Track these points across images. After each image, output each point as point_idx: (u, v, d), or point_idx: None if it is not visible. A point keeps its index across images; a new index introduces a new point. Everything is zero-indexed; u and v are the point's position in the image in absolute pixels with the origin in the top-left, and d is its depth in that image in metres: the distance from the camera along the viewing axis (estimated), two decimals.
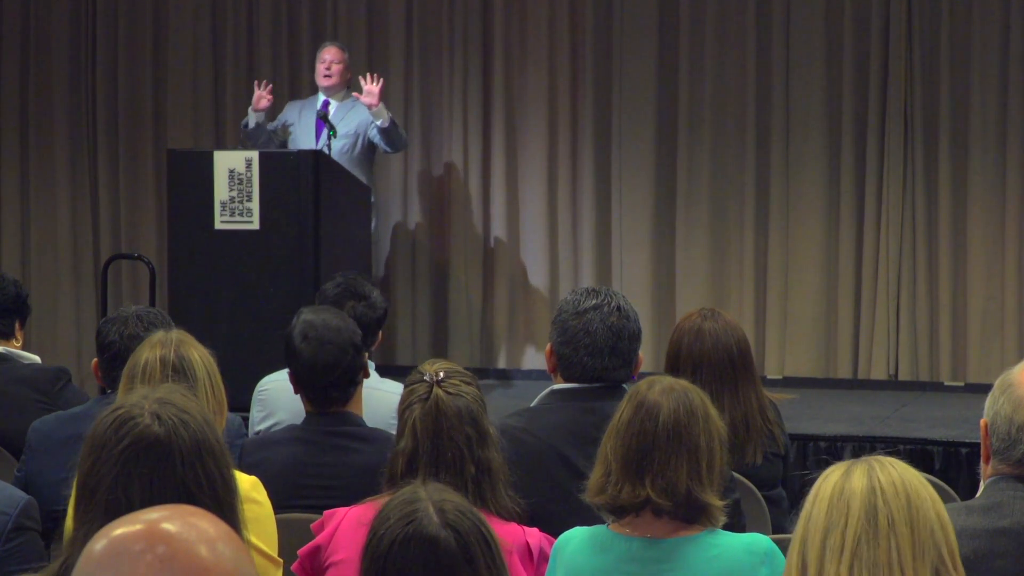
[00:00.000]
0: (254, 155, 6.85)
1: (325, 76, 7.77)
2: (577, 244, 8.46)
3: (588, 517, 3.02)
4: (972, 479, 5.69)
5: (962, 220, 7.90)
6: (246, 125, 7.74)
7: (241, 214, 6.79)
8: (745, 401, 4.12)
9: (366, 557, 2.23)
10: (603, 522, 2.97)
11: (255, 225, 6.79)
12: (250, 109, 7.71)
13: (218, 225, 6.82)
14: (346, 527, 3.09)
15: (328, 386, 3.81)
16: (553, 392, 3.65)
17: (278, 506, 3.32)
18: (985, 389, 2.88)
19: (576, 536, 2.98)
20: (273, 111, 7.90)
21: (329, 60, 7.80)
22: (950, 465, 6.27)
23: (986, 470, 2.79)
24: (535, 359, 8.38)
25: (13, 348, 4.77)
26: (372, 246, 7.73)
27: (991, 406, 2.77)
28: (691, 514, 2.89)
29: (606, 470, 2.92)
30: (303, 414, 3.90)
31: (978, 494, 2.78)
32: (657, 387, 2.94)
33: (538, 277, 8.52)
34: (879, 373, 7.97)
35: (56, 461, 3.66)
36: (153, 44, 8.99)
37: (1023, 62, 7.79)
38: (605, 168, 8.42)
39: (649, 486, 2.86)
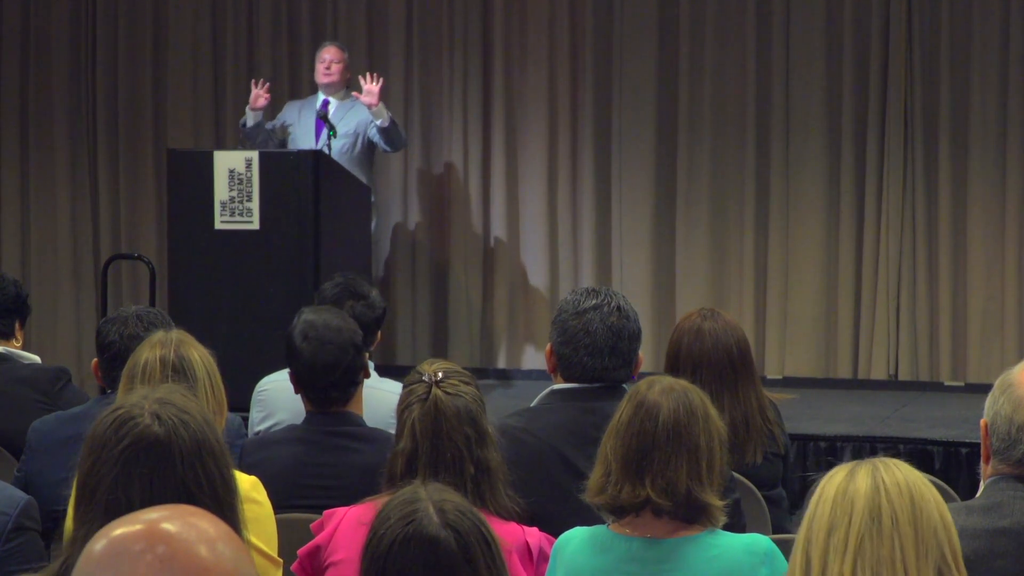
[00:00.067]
0: (254, 155, 6.85)
1: (325, 74, 7.78)
2: (577, 244, 8.45)
3: (588, 517, 3.02)
4: (972, 479, 5.68)
5: (962, 220, 7.90)
6: (244, 124, 7.74)
7: (241, 214, 6.79)
8: (745, 401, 4.12)
9: (366, 557, 2.23)
10: (603, 522, 2.97)
11: (255, 225, 6.79)
12: (248, 108, 7.71)
13: (218, 225, 6.82)
14: (346, 527, 3.09)
15: (328, 386, 3.81)
16: (553, 392, 3.65)
17: (278, 506, 3.32)
18: (985, 389, 2.89)
19: (576, 536, 2.98)
20: (272, 110, 7.90)
21: (329, 59, 7.80)
22: (950, 465, 6.27)
23: (986, 470, 2.79)
24: (535, 359, 8.37)
25: (13, 348, 4.76)
26: (372, 246, 7.73)
27: (991, 406, 2.77)
28: (691, 514, 2.89)
29: (606, 470, 2.92)
30: (303, 414, 3.90)
31: (978, 494, 2.78)
32: (657, 387, 2.94)
33: (538, 277, 8.51)
34: (879, 373, 7.97)
35: (56, 461, 3.66)
36: (153, 44, 8.99)
37: (1023, 62, 7.80)
38: (605, 168, 8.41)
39: (649, 486, 2.86)
